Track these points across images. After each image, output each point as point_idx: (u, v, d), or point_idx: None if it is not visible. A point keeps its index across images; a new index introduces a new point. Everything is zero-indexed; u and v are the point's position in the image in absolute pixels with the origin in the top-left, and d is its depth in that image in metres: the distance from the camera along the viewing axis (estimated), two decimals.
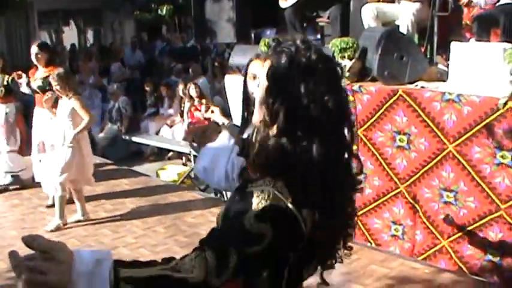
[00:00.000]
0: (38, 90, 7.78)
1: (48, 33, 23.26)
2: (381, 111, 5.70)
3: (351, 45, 6.06)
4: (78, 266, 1.43)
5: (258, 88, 1.82)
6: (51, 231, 7.01)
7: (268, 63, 1.79)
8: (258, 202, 1.69)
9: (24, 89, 8.10)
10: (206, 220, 7.14)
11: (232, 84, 7.40)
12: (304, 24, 7.66)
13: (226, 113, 5.12)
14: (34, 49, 7.81)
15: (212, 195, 8.47)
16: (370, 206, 5.99)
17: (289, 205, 1.69)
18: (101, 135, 12.00)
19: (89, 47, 20.36)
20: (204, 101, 10.43)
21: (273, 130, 1.76)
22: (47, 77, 7.55)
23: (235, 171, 2.50)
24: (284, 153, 1.73)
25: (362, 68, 6.09)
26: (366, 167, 5.93)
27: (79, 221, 7.31)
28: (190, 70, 13.06)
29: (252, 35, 8.64)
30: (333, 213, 1.76)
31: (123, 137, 12.03)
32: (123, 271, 1.50)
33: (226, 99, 7.94)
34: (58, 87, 6.99)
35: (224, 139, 3.04)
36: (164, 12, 20.24)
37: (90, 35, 24.69)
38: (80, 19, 23.87)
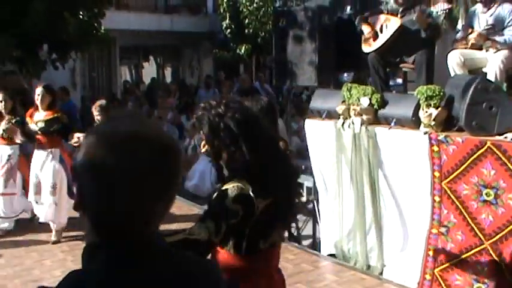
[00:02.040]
0: (39, 132, 7.87)
1: (129, 69, 23.85)
2: (467, 163, 5.46)
3: (437, 93, 5.86)
4: None
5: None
6: None
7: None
8: (231, 192, 2.74)
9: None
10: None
11: (312, 128, 7.30)
12: (387, 69, 7.51)
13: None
14: (39, 90, 7.90)
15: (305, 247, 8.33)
16: (452, 262, 5.72)
17: (251, 193, 2.75)
18: None
19: (169, 83, 20.70)
20: (281, 142, 10.33)
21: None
22: (50, 119, 7.83)
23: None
24: (233, 163, 2.89)
25: (448, 117, 5.88)
26: (449, 220, 5.70)
27: None
28: None
29: (333, 79, 8.54)
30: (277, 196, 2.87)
31: None
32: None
33: (305, 141, 7.86)
34: (99, 118, 7.39)
35: (205, 160, 3.71)
36: (243, 51, 20.44)
37: (168, 71, 25.19)
38: (159, 55, 24.40)
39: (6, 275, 6.94)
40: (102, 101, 7.86)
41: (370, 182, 6.55)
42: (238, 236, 2.86)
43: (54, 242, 8.03)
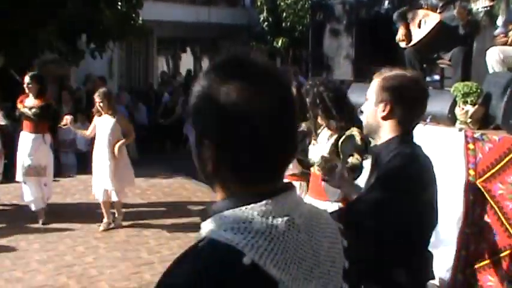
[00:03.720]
0: (32, 117, 8.38)
1: (166, 60, 23.96)
2: (504, 162, 5.35)
3: (474, 90, 5.77)
4: None
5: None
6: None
7: None
8: (357, 134, 4.27)
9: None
10: None
11: None
12: (424, 65, 7.42)
13: None
14: (27, 79, 8.43)
15: None
16: (484, 262, 5.63)
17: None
18: None
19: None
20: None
21: None
22: (44, 106, 8.44)
23: None
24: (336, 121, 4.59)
25: (485, 115, 5.79)
26: (483, 220, 5.61)
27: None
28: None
29: (369, 73, 8.45)
30: None
31: None
32: None
33: None
34: (102, 104, 7.99)
35: None
36: (280, 44, 20.38)
37: (205, 63, 25.26)
38: (196, 47, 24.47)
39: (39, 259, 7.05)
40: (104, 89, 8.54)
41: None
42: None
43: (44, 223, 8.49)
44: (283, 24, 20.29)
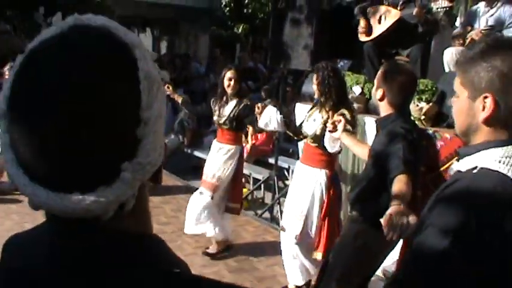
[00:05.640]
0: None
1: None
2: (449, 164, 5.45)
3: (429, 87, 5.86)
4: None
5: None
6: None
7: None
8: (348, 113, 5.24)
9: None
10: (258, 247, 6.97)
11: (302, 112, 7.28)
12: (382, 60, 7.49)
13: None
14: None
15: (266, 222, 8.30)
16: None
17: None
18: None
19: (162, 55, 20.56)
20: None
21: None
22: None
23: None
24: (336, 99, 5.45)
25: (438, 113, 5.88)
26: None
27: None
28: (262, 92, 12.86)
29: None
30: None
31: (185, 149, 11.99)
32: None
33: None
34: None
35: None
36: (240, 30, 20.33)
37: (164, 44, 25.04)
38: (156, 27, 24.23)
39: None
40: None
41: (353, 169, 6.54)
42: None
43: None
44: (245, 11, 20.23)
